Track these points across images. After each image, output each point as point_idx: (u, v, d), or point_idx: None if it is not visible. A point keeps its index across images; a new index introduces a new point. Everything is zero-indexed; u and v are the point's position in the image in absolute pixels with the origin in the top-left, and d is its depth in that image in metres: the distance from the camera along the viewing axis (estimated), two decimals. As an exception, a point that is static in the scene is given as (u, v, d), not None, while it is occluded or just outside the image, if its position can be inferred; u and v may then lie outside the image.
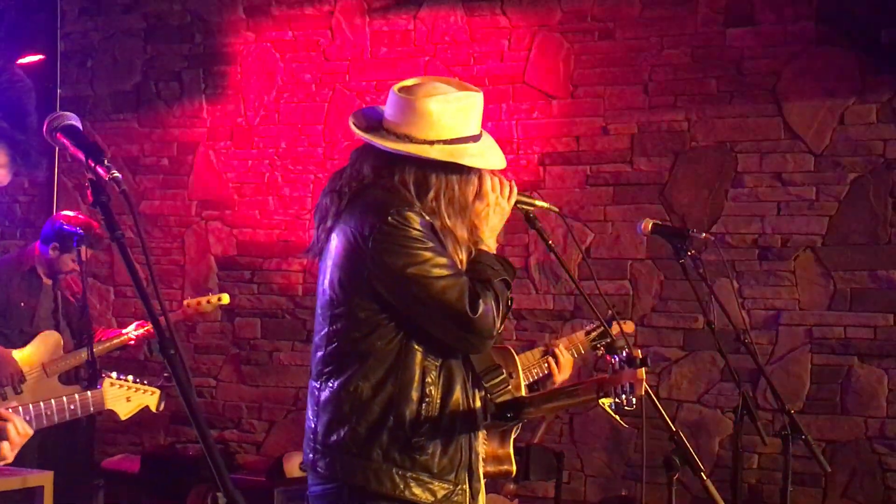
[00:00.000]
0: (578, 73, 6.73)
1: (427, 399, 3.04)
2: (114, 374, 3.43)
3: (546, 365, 4.20)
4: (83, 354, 5.90)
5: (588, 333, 4.34)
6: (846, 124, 6.17)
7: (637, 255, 6.57)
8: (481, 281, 3.07)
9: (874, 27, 6.11)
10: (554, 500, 6.31)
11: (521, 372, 3.61)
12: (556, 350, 4.14)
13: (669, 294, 6.48)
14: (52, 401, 3.02)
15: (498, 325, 3.07)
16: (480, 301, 3.01)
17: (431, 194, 3.08)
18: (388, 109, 3.18)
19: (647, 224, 4.57)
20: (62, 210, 6.91)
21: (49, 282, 6.28)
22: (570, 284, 6.67)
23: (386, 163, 3.11)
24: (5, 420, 2.75)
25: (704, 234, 4.69)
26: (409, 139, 3.09)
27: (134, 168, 7.80)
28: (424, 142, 3.08)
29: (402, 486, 3.02)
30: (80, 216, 6.26)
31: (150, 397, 3.63)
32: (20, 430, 2.77)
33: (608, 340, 4.46)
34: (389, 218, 3.00)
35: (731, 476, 5.23)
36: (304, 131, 7.42)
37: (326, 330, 3.12)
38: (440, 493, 3.06)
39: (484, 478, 3.27)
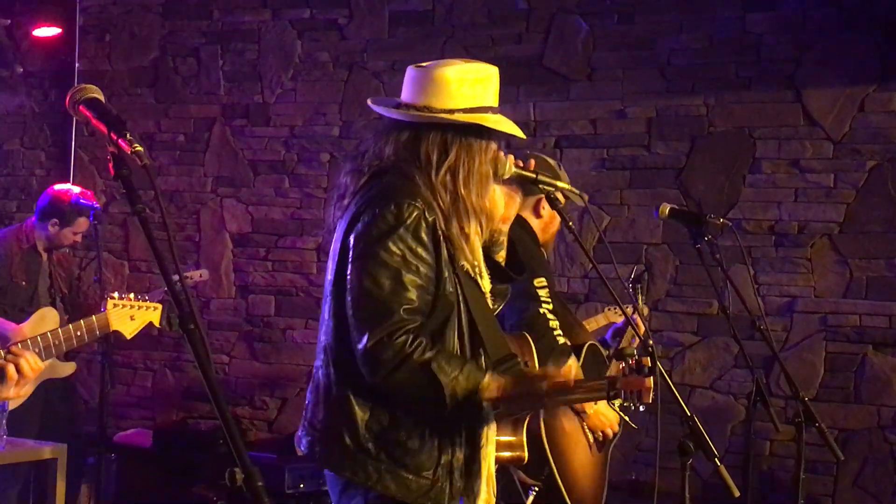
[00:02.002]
0: (596, 56, 6.71)
1: None
2: (115, 295, 3.43)
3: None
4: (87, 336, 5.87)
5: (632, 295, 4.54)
6: (866, 112, 6.14)
7: (652, 239, 6.55)
8: (432, 357, 2.92)
9: (895, 13, 6.07)
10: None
11: (536, 360, 3.59)
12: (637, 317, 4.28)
13: (684, 279, 6.46)
14: (59, 329, 3.03)
15: (386, 376, 2.91)
16: (399, 343, 2.89)
17: (452, 161, 3.04)
18: (406, 88, 3.17)
19: (665, 208, 4.55)
20: (75, 184, 6.93)
21: (47, 263, 6.26)
22: (584, 268, 6.67)
23: (408, 139, 3.09)
24: (17, 356, 2.76)
25: (721, 220, 4.67)
26: (429, 109, 3.08)
27: (150, 144, 7.80)
28: (444, 110, 3.06)
29: (375, 478, 3.00)
30: (73, 189, 6.24)
31: (153, 313, 3.62)
32: (33, 364, 2.80)
33: (624, 345, 4.56)
34: (389, 208, 2.97)
35: (742, 462, 5.24)
36: (320, 110, 7.41)
37: (327, 320, 3.12)
38: (415, 488, 3.02)
39: (496, 463, 3.21)
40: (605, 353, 4.53)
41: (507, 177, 3.33)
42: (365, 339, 2.91)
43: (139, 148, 2.22)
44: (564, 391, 3.10)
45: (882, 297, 6.11)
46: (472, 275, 3.11)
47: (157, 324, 3.70)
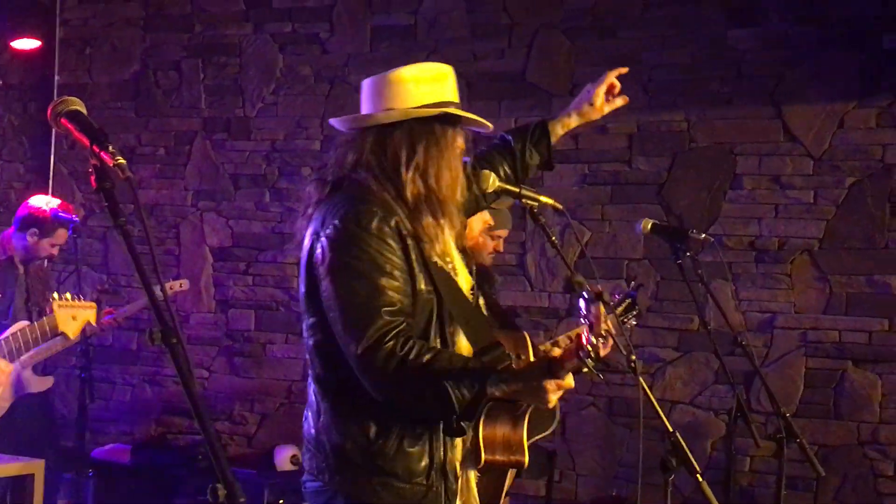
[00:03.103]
0: (579, 71, 6.72)
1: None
2: (56, 295, 3.41)
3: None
4: (58, 345, 5.79)
5: (614, 310, 4.41)
6: (846, 128, 6.17)
7: (634, 254, 6.56)
8: (433, 361, 2.87)
9: (876, 32, 6.10)
10: (545, 499, 6.30)
11: (531, 355, 3.57)
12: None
13: (665, 294, 6.47)
14: (17, 332, 3.02)
15: (386, 381, 2.87)
16: (389, 346, 2.85)
17: (421, 157, 3.03)
18: (365, 99, 3.16)
19: (647, 224, 4.57)
20: (55, 197, 6.88)
21: (22, 271, 6.21)
22: (564, 282, 6.66)
23: (374, 143, 3.06)
24: None
25: (702, 236, 4.67)
26: (391, 110, 3.06)
27: (130, 157, 7.77)
28: (406, 109, 3.06)
29: (368, 492, 2.98)
30: (53, 202, 6.20)
31: (90, 312, 3.60)
32: (2, 366, 2.78)
33: (635, 312, 4.52)
34: (347, 217, 2.96)
35: (723, 478, 5.25)
36: (301, 124, 7.40)
37: (307, 341, 3.10)
38: (409, 496, 3.00)
39: (488, 468, 3.18)
40: None
41: (490, 190, 3.33)
42: (354, 348, 2.88)
43: (121, 161, 2.20)
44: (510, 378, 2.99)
45: (862, 313, 6.13)
46: (446, 270, 3.09)
47: (93, 322, 3.67)
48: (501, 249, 4.91)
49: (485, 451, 3.11)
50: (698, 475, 3.14)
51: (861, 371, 6.13)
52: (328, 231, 2.97)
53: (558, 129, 3.81)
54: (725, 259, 6.11)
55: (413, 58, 6.86)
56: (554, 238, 3.49)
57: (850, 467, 6.13)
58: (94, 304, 3.57)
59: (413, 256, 2.98)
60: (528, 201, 3.41)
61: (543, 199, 3.47)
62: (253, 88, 7.54)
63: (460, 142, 3.13)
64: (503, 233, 4.88)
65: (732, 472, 5.12)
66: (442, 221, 3.06)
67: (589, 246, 6.61)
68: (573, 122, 3.82)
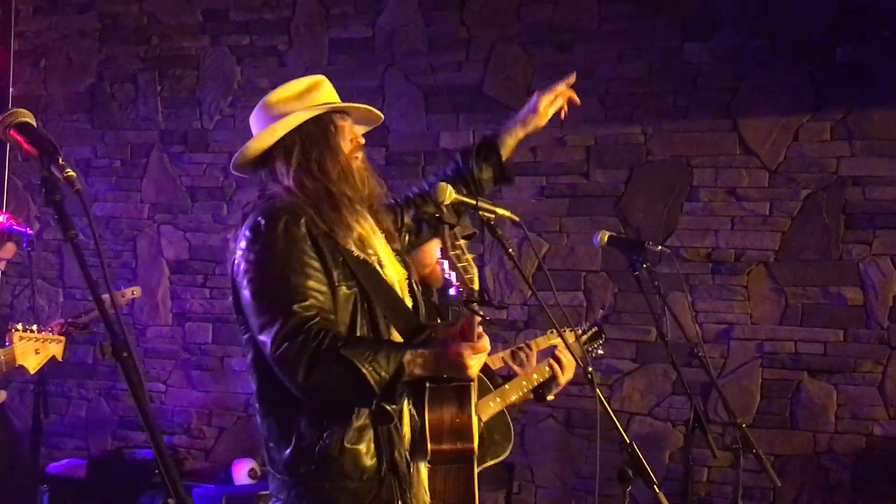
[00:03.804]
0: (536, 83, 6.73)
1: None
2: (20, 326, 3.34)
3: (548, 368, 4.29)
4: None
5: (579, 337, 4.46)
6: (800, 141, 6.22)
7: (591, 266, 6.58)
8: (336, 346, 2.89)
9: (829, 45, 6.17)
10: (504, 510, 6.30)
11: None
12: (557, 352, 4.28)
13: (623, 306, 6.49)
14: None
15: (303, 378, 2.89)
16: (300, 340, 2.89)
17: (301, 158, 3.10)
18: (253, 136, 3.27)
19: (604, 236, 4.59)
20: (7, 210, 6.82)
21: None
22: (523, 295, 6.67)
23: (267, 170, 3.18)
24: None
25: (659, 248, 4.69)
26: (272, 128, 3.16)
27: (86, 170, 7.72)
28: (272, 127, 3.16)
29: (323, 497, 2.99)
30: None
31: (57, 346, 3.53)
32: None
33: (601, 341, 4.54)
34: (255, 225, 3.02)
35: (681, 489, 5.25)
36: (259, 136, 7.36)
37: (245, 358, 3.15)
38: (364, 493, 3.01)
39: (439, 459, 3.14)
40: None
41: (447, 203, 3.33)
42: (270, 348, 2.91)
43: (71, 173, 2.19)
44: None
45: (817, 324, 6.18)
46: (370, 261, 3.11)
47: (59, 357, 3.60)
48: None
49: (431, 441, 3.08)
50: (655, 486, 3.15)
51: (817, 381, 6.17)
52: (241, 242, 3.04)
53: (508, 141, 3.83)
54: (682, 271, 6.14)
55: (371, 71, 6.93)
56: (511, 250, 3.49)
57: (806, 477, 6.17)
58: (62, 338, 3.50)
59: (327, 253, 3.01)
60: (486, 213, 3.41)
61: (500, 211, 3.47)
62: (210, 101, 7.51)
63: (347, 133, 3.19)
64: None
65: (690, 482, 5.11)
66: (350, 212, 3.10)
67: (547, 258, 6.63)
68: (520, 132, 3.83)
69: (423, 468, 3.14)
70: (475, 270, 2.80)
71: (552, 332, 5.07)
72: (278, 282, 2.95)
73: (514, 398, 4.34)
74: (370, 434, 3.02)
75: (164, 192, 7.60)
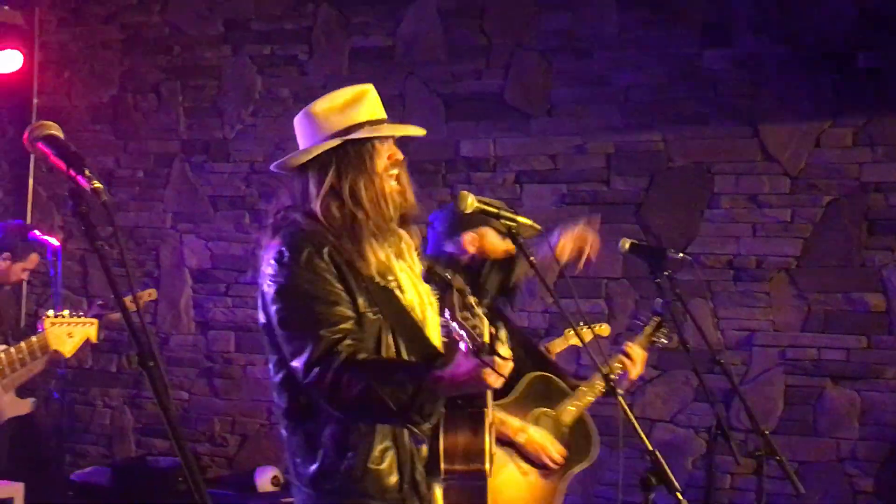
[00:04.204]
0: (556, 92, 6.75)
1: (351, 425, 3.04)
2: (51, 313, 3.35)
3: (619, 364, 4.40)
4: (38, 366, 5.74)
5: (645, 329, 4.58)
6: (822, 147, 6.21)
7: (612, 274, 6.58)
8: (374, 370, 2.93)
9: (850, 51, 6.15)
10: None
11: None
12: (627, 348, 4.41)
13: (645, 313, 6.48)
14: (2, 353, 2.96)
15: (334, 396, 2.94)
16: (330, 363, 2.93)
17: (334, 182, 3.11)
18: (297, 138, 3.29)
19: (625, 243, 4.60)
20: (33, 221, 6.87)
21: None
22: (544, 302, 6.68)
23: (299, 183, 3.20)
24: None
25: (681, 255, 4.70)
26: (304, 150, 3.18)
27: (109, 180, 7.76)
28: (323, 140, 3.15)
29: None
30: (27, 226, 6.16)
31: (90, 329, 3.54)
32: None
33: (665, 331, 4.57)
34: (279, 256, 3.05)
35: (704, 496, 5.25)
36: (280, 146, 7.39)
37: (272, 378, 3.18)
38: None
39: (452, 478, 3.18)
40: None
41: (468, 211, 3.36)
42: (302, 375, 2.96)
43: (98, 185, 2.21)
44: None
45: (839, 330, 6.16)
46: (389, 288, 3.13)
47: (93, 339, 3.61)
48: None
49: (444, 461, 3.12)
50: (678, 493, 3.15)
51: (840, 388, 6.15)
52: (266, 272, 3.08)
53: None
54: (704, 278, 6.15)
55: (391, 80, 6.96)
56: (533, 258, 3.50)
57: (829, 484, 6.14)
58: (94, 321, 3.51)
59: (351, 280, 3.05)
60: (507, 222, 3.43)
61: (521, 219, 3.49)
62: (232, 110, 7.55)
63: (384, 152, 3.17)
64: None
65: (712, 489, 5.13)
66: (371, 241, 3.11)
67: (567, 266, 6.61)
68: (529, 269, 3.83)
69: (438, 489, 3.18)
70: (485, 322, 2.80)
71: (569, 330, 5.07)
72: (305, 311, 2.99)
73: (590, 399, 4.41)
74: (392, 454, 3.06)
75: (187, 202, 7.64)
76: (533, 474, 4.28)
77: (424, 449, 3.14)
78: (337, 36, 7.29)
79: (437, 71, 6.98)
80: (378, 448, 3.04)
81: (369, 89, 3.25)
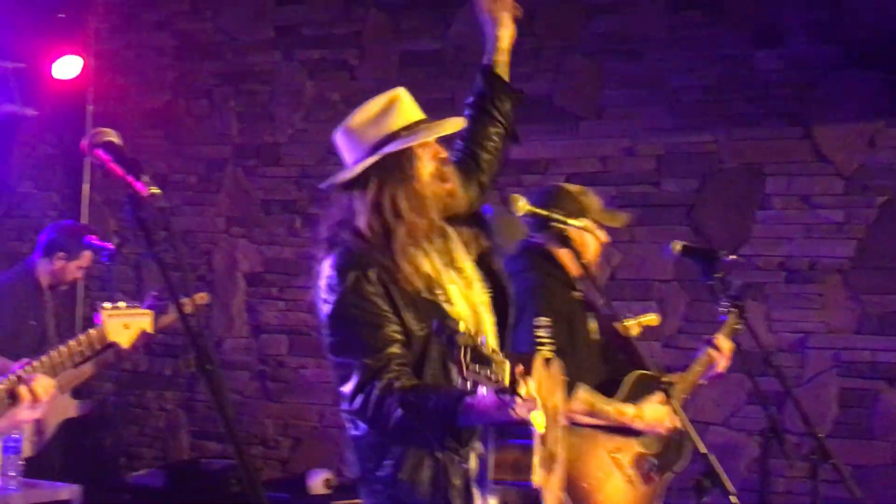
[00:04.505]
0: (605, 94, 6.74)
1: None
2: (107, 304, 3.38)
3: (706, 357, 4.47)
4: (92, 367, 5.80)
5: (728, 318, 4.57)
6: (876, 147, 6.15)
7: (663, 276, 6.56)
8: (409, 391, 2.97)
9: (904, 50, 6.10)
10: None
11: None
12: (716, 340, 4.43)
13: (696, 316, 6.45)
14: (61, 347, 3.00)
15: (377, 426, 3.03)
16: (371, 392, 2.99)
17: (374, 198, 3.14)
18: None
19: (677, 245, 4.59)
20: (91, 225, 6.95)
21: (51, 302, 6.21)
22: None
23: (344, 201, 3.24)
24: (25, 380, 2.77)
25: (732, 256, 4.69)
26: (350, 170, 3.22)
27: (162, 185, 7.68)
28: (362, 158, 3.18)
29: None
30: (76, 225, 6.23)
31: (145, 320, 3.57)
32: (45, 384, 2.80)
33: (744, 319, 4.56)
34: (328, 282, 3.12)
35: (758, 500, 5.22)
36: (331, 150, 7.34)
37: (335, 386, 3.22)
38: None
39: (500, 485, 3.20)
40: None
41: (520, 214, 3.38)
42: (348, 401, 3.05)
43: (155, 190, 2.26)
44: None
45: (895, 332, 6.10)
46: (437, 302, 3.14)
47: (150, 330, 3.63)
48: None
49: (494, 472, 3.14)
50: (732, 496, 3.15)
51: (895, 390, 6.09)
52: (320, 292, 3.16)
53: (500, 59, 3.90)
54: (756, 280, 6.12)
55: (441, 83, 6.97)
56: (584, 260, 3.51)
57: (886, 488, 6.08)
58: (149, 312, 3.54)
59: (399, 298, 3.08)
60: (558, 224, 3.44)
61: (572, 221, 3.50)
62: (283, 115, 7.60)
63: (426, 154, 3.20)
64: None
65: (767, 493, 5.09)
66: (417, 253, 3.14)
67: (619, 268, 6.61)
68: (501, 46, 3.90)
69: (493, 499, 3.18)
70: (506, 365, 2.80)
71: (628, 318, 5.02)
72: (351, 338, 3.06)
73: (683, 397, 4.43)
74: (426, 467, 3.09)
75: (239, 206, 7.71)
76: (637, 482, 4.25)
77: (473, 461, 3.15)
78: (387, 40, 7.32)
79: (486, 74, 6.98)
80: (411, 460, 3.08)
81: (400, 94, 3.27)
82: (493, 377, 2.66)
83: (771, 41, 6.38)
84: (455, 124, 3.33)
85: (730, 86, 6.46)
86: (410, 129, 3.19)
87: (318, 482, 6.85)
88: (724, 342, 4.49)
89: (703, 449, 3.23)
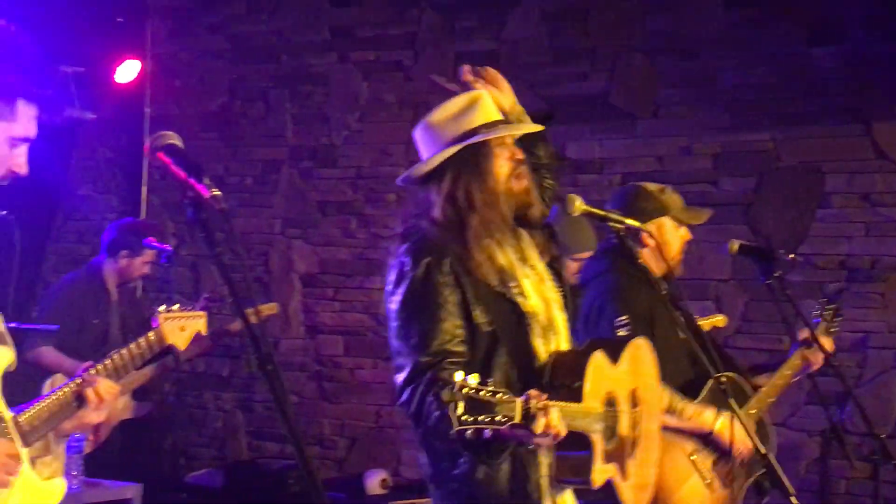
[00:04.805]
0: (661, 92, 6.71)
1: None
2: (162, 308, 3.42)
3: (800, 361, 4.43)
4: (153, 370, 5.88)
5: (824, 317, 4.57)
6: (937, 144, 6.08)
7: (721, 275, 6.51)
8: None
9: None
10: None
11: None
12: (821, 339, 4.37)
13: (754, 315, 6.41)
14: (122, 350, 3.04)
15: (413, 419, 3.03)
16: (417, 388, 2.99)
17: (451, 190, 3.15)
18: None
19: (734, 244, 4.56)
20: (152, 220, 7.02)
21: (117, 301, 6.30)
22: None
23: (420, 194, 3.25)
24: (90, 383, 2.81)
25: (791, 255, 4.65)
26: (424, 161, 3.24)
27: (219, 187, 7.79)
28: (440, 149, 3.20)
29: None
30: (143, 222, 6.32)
31: (200, 322, 3.60)
32: (108, 387, 2.83)
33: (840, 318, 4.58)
34: (399, 269, 3.12)
35: (819, 501, 5.18)
36: (386, 151, 7.47)
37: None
38: None
39: (566, 485, 3.19)
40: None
41: (575, 214, 3.37)
42: (397, 393, 3.06)
43: (216, 192, 2.28)
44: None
45: (957, 331, 6.02)
46: (508, 296, 3.14)
47: (203, 332, 3.67)
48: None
49: (557, 472, 3.14)
50: (792, 497, 3.12)
51: (957, 390, 6.02)
52: (390, 276, 3.16)
53: (512, 117, 3.74)
54: (815, 278, 6.06)
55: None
56: (640, 260, 3.49)
57: (948, 489, 6.00)
58: (203, 314, 3.57)
59: (470, 291, 3.09)
60: (614, 224, 3.43)
61: (629, 221, 3.49)
62: (338, 116, 7.63)
63: (503, 154, 3.21)
64: (586, 255, 4.91)
65: (827, 494, 5.05)
66: (490, 243, 3.15)
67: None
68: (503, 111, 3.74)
69: (569, 493, 3.18)
70: (517, 403, 2.77)
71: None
72: (413, 328, 3.07)
73: (771, 401, 4.39)
74: (507, 462, 3.07)
75: (295, 208, 7.75)
76: (716, 483, 4.19)
77: (543, 460, 3.15)
78: (441, 41, 7.33)
79: (541, 74, 6.98)
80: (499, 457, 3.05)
81: (482, 94, 3.29)
82: (498, 420, 2.63)
83: (828, 37, 6.32)
84: (533, 127, 3.36)
85: (787, 83, 6.40)
86: (489, 126, 3.21)
87: (374, 482, 6.88)
88: (826, 341, 4.42)
89: (762, 449, 3.20)
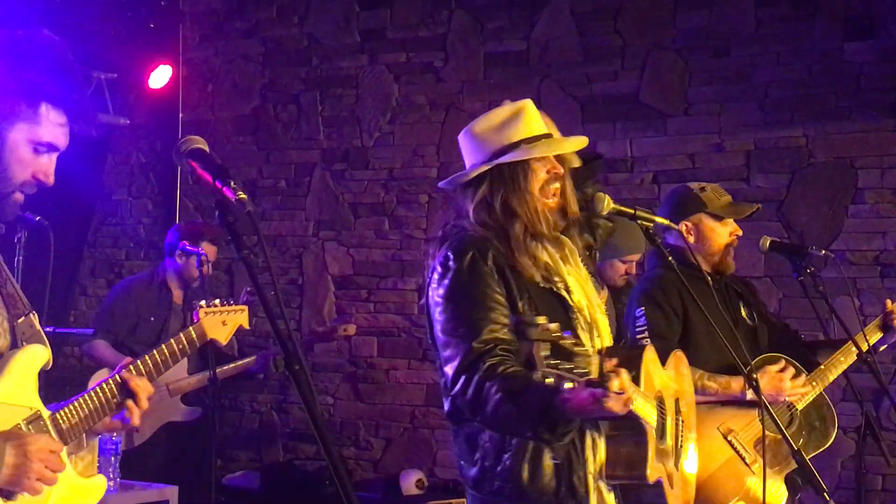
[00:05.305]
0: (693, 90, 6.69)
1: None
2: (203, 303, 3.44)
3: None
4: (206, 376, 6.00)
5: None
6: (971, 138, 6.03)
7: (754, 272, 6.48)
8: (515, 386, 2.93)
9: None
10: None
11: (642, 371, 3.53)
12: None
13: (788, 311, 6.37)
14: (162, 346, 3.04)
15: (476, 412, 3.02)
16: (473, 375, 2.98)
17: (486, 195, 3.18)
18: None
19: (766, 241, 4.55)
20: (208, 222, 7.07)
21: (180, 300, 6.41)
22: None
23: (461, 198, 3.27)
24: (127, 380, 2.80)
25: (824, 252, 4.63)
26: (470, 168, 3.26)
27: (252, 190, 7.95)
28: (482, 162, 3.22)
29: None
30: (196, 223, 6.44)
31: (242, 315, 3.62)
32: (143, 386, 2.82)
33: None
34: (444, 259, 3.15)
35: (854, 498, 5.15)
36: (418, 152, 7.49)
37: (440, 381, 3.24)
38: None
39: (614, 482, 3.19)
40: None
41: (605, 212, 3.38)
42: (450, 383, 3.05)
43: (243, 195, 2.29)
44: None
45: None
46: (553, 290, 3.16)
47: (245, 325, 3.69)
48: (633, 272, 4.99)
49: (607, 468, 3.13)
50: (826, 494, 3.11)
51: None
52: (433, 274, 3.17)
53: None
54: (849, 275, 6.02)
55: (526, 83, 6.97)
56: (671, 258, 3.49)
57: None
58: (244, 308, 3.60)
59: (514, 285, 3.11)
60: (644, 222, 3.43)
61: (659, 219, 3.49)
62: (370, 118, 7.66)
63: (541, 169, 3.22)
64: (635, 257, 4.96)
65: (864, 491, 5.01)
66: (537, 245, 3.17)
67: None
68: None
69: (608, 493, 3.18)
70: (594, 359, 2.78)
71: None
72: (461, 318, 3.07)
73: (832, 378, 4.36)
74: (547, 458, 3.09)
75: (328, 210, 7.78)
76: (758, 464, 4.14)
77: (589, 452, 3.14)
78: (472, 41, 7.34)
79: (572, 73, 6.98)
80: (531, 451, 3.08)
81: (527, 105, 3.29)
82: (578, 371, 2.65)
83: (861, 33, 6.28)
84: (577, 143, 3.35)
85: (819, 79, 6.37)
86: (531, 141, 3.21)
87: (410, 483, 6.89)
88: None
89: (795, 446, 3.18)
